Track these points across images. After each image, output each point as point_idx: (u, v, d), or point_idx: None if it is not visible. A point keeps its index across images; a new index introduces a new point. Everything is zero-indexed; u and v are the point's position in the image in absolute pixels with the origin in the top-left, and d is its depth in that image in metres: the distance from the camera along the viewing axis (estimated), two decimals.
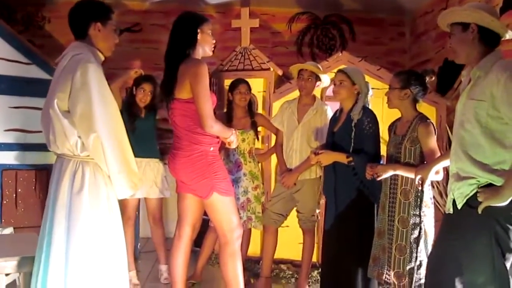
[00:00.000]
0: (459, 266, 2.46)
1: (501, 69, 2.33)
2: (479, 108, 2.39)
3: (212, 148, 3.18)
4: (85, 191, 2.52)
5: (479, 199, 2.34)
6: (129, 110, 4.27)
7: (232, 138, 3.22)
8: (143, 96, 4.31)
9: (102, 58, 2.72)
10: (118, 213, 2.68)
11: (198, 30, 3.15)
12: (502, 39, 2.45)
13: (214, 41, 3.28)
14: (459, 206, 2.45)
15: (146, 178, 4.30)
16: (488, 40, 2.44)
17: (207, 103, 3.04)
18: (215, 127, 3.07)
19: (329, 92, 4.69)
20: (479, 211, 2.34)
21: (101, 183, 2.57)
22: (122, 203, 4.33)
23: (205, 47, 3.21)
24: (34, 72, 4.66)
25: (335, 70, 3.93)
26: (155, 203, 4.43)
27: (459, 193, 2.47)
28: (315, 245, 4.33)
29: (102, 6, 2.73)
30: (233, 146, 3.30)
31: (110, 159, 2.52)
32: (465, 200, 2.43)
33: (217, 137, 3.22)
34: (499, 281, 2.37)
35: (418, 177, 3.03)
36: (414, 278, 3.13)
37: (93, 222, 2.52)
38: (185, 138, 3.18)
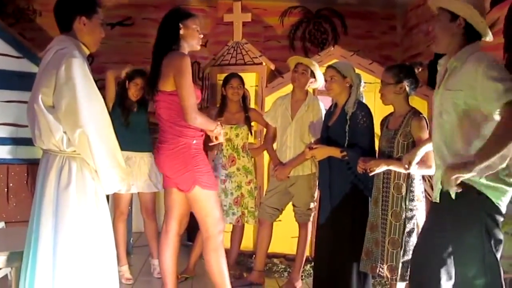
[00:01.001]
0: (449, 259, 2.50)
1: (478, 60, 2.36)
2: (456, 98, 2.43)
3: (195, 141, 3.19)
4: (72, 187, 2.50)
5: (448, 177, 2.31)
6: (122, 104, 4.26)
7: (217, 131, 3.22)
8: (136, 91, 4.30)
9: (87, 52, 2.69)
10: (106, 208, 2.66)
11: (181, 25, 3.16)
12: (482, 39, 2.49)
13: (201, 36, 3.29)
14: (453, 196, 2.43)
15: (140, 172, 4.30)
16: (471, 36, 2.47)
17: (190, 95, 3.06)
18: (198, 120, 3.09)
19: (321, 86, 4.70)
20: (456, 189, 2.33)
21: (88, 178, 2.55)
22: (115, 198, 4.34)
23: (190, 42, 3.22)
24: (25, 65, 4.63)
25: (327, 65, 3.93)
26: (149, 197, 4.43)
27: None
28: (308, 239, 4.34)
29: None
30: (220, 140, 3.30)
31: (96, 154, 2.49)
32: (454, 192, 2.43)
33: (201, 130, 3.23)
34: (490, 273, 2.39)
35: (405, 160, 3.06)
36: (408, 272, 3.16)
37: (81, 217, 2.50)
38: (169, 131, 3.20)
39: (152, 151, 4.42)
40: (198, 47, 3.31)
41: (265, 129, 4.56)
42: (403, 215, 3.19)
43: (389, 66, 3.47)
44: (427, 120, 3.25)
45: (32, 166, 4.65)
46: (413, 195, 3.21)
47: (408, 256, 3.15)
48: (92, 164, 2.53)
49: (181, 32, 3.17)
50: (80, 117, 2.44)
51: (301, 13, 6.60)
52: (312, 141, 3.95)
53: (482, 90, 2.32)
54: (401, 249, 3.19)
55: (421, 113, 3.27)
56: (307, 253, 4.32)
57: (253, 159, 4.57)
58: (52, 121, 2.46)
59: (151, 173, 4.35)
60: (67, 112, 2.44)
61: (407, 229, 3.20)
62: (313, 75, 4.11)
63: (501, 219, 2.43)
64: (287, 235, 4.61)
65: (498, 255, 2.41)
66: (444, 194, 2.49)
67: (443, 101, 2.51)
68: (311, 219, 4.18)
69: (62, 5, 2.65)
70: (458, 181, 2.30)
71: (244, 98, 4.45)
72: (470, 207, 2.40)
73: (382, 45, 6.78)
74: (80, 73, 2.47)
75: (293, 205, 4.19)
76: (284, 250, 4.82)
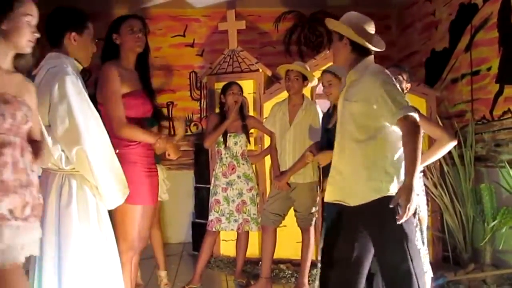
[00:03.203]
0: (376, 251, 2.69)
1: (374, 75, 2.61)
2: (355, 108, 2.63)
3: (117, 150, 2.82)
4: (74, 205, 2.48)
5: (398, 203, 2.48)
6: None
7: (159, 145, 2.99)
8: None
9: (80, 68, 2.67)
10: (109, 223, 2.65)
11: (115, 35, 3.05)
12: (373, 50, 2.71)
13: (138, 37, 3.03)
14: (351, 204, 2.68)
15: None
16: (360, 51, 2.69)
17: (113, 106, 2.88)
18: (124, 132, 2.90)
19: (319, 90, 4.70)
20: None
21: (89, 195, 2.54)
22: None
23: (126, 47, 3.03)
24: None
25: (323, 68, 3.94)
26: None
27: None
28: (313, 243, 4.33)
29: (78, 14, 2.67)
30: (172, 157, 3.08)
31: (96, 170, 2.48)
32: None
33: (128, 140, 2.99)
34: (414, 257, 2.58)
35: None
36: None
37: (84, 235, 2.49)
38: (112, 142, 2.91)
39: (158, 161, 4.41)
40: (138, 49, 3.05)
41: (266, 136, 4.56)
42: None
43: (394, 66, 3.54)
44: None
45: None
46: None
47: None
48: (92, 180, 2.52)
49: (117, 41, 3.04)
50: (77, 135, 2.42)
51: (295, 17, 6.62)
52: (312, 145, 3.95)
53: (378, 104, 2.55)
54: None
55: None
56: (313, 257, 4.31)
57: (254, 166, 4.57)
58: (49, 141, 2.43)
59: None
60: (63, 131, 2.42)
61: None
62: (305, 77, 4.12)
63: None
64: (293, 240, 4.60)
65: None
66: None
67: (343, 111, 2.72)
68: (313, 223, 4.17)
69: (52, 21, 2.64)
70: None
71: (242, 107, 4.45)
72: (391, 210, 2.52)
73: None
74: (73, 90, 2.45)
75: (295, 210, 4.19)
76: (290, 256, 4.81)
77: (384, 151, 2.62)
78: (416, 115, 2.55)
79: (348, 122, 2.68)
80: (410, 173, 2.47)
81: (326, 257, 3.65)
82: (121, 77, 2.96)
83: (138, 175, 2.99)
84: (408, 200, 2.43)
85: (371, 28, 2.75)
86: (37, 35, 2.19)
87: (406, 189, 2.45)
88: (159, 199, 4.35)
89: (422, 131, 2.53)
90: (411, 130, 2.49)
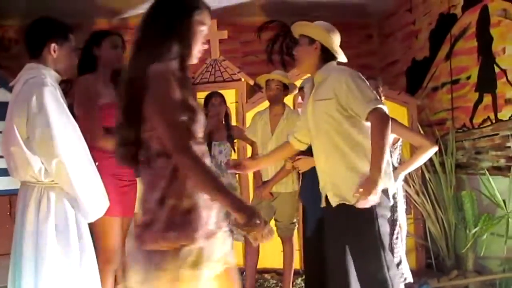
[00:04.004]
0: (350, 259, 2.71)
1: (341, 72, 2.73)
2: (327, 106, 2.71)
3: (97, 163, 2.81)
4: (52, 218, 2.45)
5: (358, 199, 2.52)
6: None
7: None
8: None
9: (59, 78, 2.63)
10: (89, 236, 2.62)
11: (94, 47, 3.07)
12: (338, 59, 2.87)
13: (118, 53, 3.11)
14: (333, 204, 2.71)
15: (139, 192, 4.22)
16: (327, 56, 2.82)
17: (88, 119, 2.88)
18: (101, 142, 2.90)
19: (301, 99, 4.72)
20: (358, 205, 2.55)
21: (68, 207, 2.50)
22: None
23: (106, 61, 3.08)
24: (2, 95, 4.57)
25: (306, 77, 3.95)
26: None
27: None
28: (297, 251, 4.33)
29: (60, 25, 2.64)
30: None
31: (75, 182, 2.45)
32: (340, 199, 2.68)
33: (108, 152, 2.89)
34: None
35: None
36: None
37: (63, 248, 2.45)
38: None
39: None
40: (117, 66, 3.08)
41: (248, 146, 4.56)
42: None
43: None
44: None
45: (15, 197, 4.56)
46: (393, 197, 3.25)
47: (397, 259, 3.18)
48: (71, 193, 2.48)
49: (96, 54, 3.06)
50: (55, 146, 2.38)
51: (277, 27, 6.63)
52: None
53: (347, 99, 2.64)
54: (392, 253, 3.19)
55: None
56: (297, 266, 4.30)
57: (237, 175, 4.56)
58: (28, 153, 2.41)
59: None
60: (42, 142, 2.39)
61: (394, 231, 3.23)
62: (286, 86, 4.13)
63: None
64: (277, 250, 4.58)
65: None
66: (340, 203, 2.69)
67: (316, 112, 2.79)
68: (295, 233, 4.16)
69: (32, 31, 2.61)
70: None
71: (226, 116, 4.45)
72: (365, 213, 2.57)
73: (360, 54, 6.81)
74: (52, 101, 2.42)
75: (275, 220, 4.17)
76: (274, 265, 4.80)
77: (364, 151, 2.64)
78: (385, 108, 2.61)
79: (322, 121, 2.74)
80: (376, 165, 2.49)
81: (309, 263, 3.67)
82: (99, 89, 2.97)
83: (118, 187, 2.99)
84: (368, 193, 2.45)
85: (338, 39, 2.86)
86: (206, 46, 2.12)
87: (370, 181, 2.47)
88: None
89: (390, 124, 2.57)
90: (380, 122, 2.55)
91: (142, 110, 1.85)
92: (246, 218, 1.80)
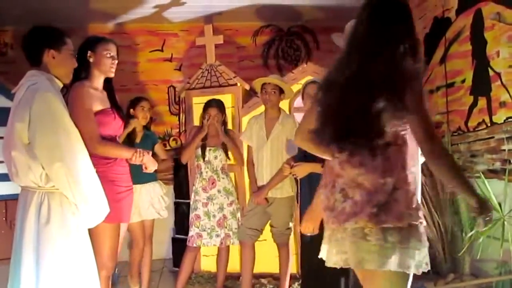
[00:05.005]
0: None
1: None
2: None
3: (95, 169, 2.81)
4: (52, 223, 2.46)
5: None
6: (126, 137, 4.19)
7: (136, 158, 3.01)
8: (144, 113, 4.33)
9: (61, 85, 2.67)
10: (89, 242, 2.63)
11: (89, 52, 3.06)
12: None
13: (114, 61, 3.12)
14: None
15: (142, 200, 4.23)
16: None
17: (85, 125, 2.83)
18: (99, 148, 2.89)
19: (297, 103, 4.73)
20: None
21: (68, 213, 2.51)
22: (131, 230, 4.21)
23: (101, 68, 3.07)
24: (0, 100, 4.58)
25: (302, 81, 3.96)
26: (150, 224, 4.39)
27: None
28: (294, 256, 4.32)
29: (55, 32, 2.69)
30: (150, 169, 3.09)
31: (75, 188, 2.46)
32: None
33: (106, 158, 3.01)
34: None
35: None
36: None
37: (63, 254, 2.46)
38: None
39: (155, 179, 4.37)
40: (111, 74, 3.12)
41: (244, 149, 4.56)
42: None
43: None
44: None
45: (12, 202, 4.58)
46: None
47: None
48: (71, 198, 2.49)
49: (91, 59, 3.06)
50: (57, 152, 2.41)
51: (272, 31, 6.65)
52: (289, 158, 3.95)
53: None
54: None
55: None
56: (294, 270, 4.30)
57: (233, 180, 4.56)
58: (30, 159, 2.42)
59: (154, 200, 4.30)
60: (43, 147, 2.41)
61: None
62: (282, 90, 4.13)
63: None
64: (273, 254, 4.58)
65: None
66: None
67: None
68: (291, 237, 4.16)
69: (29, 39, 2.65)
70: None
71: (224, 123, 4.45)
72: None
73: None
74: (53, 107, 2.45)
75: (271, 226, 4.17)
76: (271, 270, 4.79)
77: None
78: None
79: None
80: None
81: (306, 267, 3.67)
82: (93, 95, 2.98)
83: (116, 193, 3.01)
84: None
85: None
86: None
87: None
88: (158, 216, 4.33)
89: None
90: None
91: (371, 107, 2.04)
92: (480, 203, 2.10)
